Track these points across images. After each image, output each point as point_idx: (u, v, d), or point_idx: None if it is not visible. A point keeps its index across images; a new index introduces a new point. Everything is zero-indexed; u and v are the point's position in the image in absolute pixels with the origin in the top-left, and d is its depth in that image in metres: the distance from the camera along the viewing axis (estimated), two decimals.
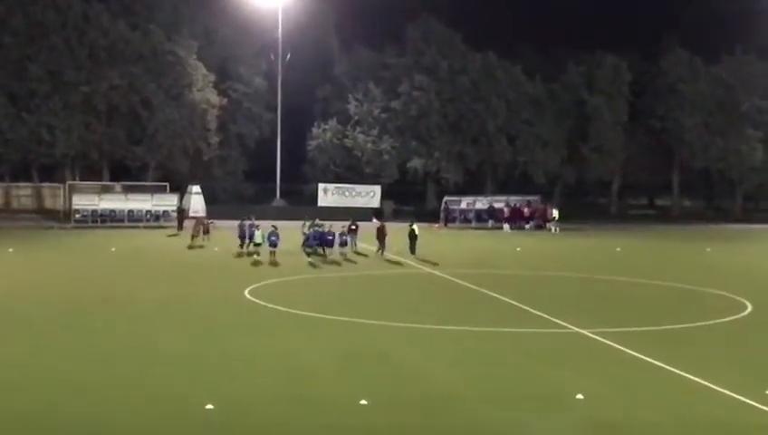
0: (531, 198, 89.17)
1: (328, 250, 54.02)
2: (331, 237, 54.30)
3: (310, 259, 52.02)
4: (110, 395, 23.11)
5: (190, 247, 58.50)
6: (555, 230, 78.66)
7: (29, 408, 22.03)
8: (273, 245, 52.40)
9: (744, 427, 21.63)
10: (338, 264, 52.04)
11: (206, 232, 61.00)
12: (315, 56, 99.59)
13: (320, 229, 55.15)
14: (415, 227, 57.67)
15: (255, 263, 50.26)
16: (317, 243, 53.78)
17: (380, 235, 57.64)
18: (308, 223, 56.55)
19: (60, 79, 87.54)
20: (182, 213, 77.10)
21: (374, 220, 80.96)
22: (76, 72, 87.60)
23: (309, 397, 23.40)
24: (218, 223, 77.34)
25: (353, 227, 58.09)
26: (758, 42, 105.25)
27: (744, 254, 66.02)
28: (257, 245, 54.12)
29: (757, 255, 65.45)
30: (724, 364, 27.86)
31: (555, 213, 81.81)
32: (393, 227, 61.59)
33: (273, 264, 50.70)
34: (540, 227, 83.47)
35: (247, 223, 56.82)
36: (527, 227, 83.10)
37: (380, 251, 56.82)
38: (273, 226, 54.16)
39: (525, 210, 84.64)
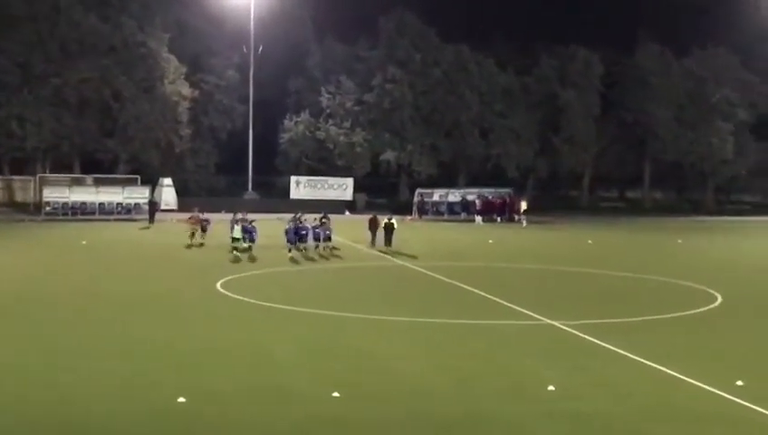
0: (503, 190, 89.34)
1: (302, 244, 53.41)
2: (304, 232, 53.54)
3: (290, 254, 51.11)
4: (80, 388, 23.00)
5: (189, 247, 55.45)
6: (524, 223, 78.67)
7: None
8: (252, 240, 51.59)
9: (716, 417, 21.73)
10: (312, 258, 51.60)
11: (204, 230, 57.09)
12: (288, 49, 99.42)
13: (296, 224, 54.55)
14: (393, 220, 57.51)
15: (236, 259, 49.23)
16: (297, 238, 52.94)
17: (372, 226, 58.42)
18: (292, 217, 56.12)
19: (30, 71, 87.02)
20: (153, 206, 76.84)
21: (347, 213, 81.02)
22: (47, 64, 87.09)
23: (281, 389, 23.36)
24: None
25: (324, 220, 56.77)
26: (729, 35, 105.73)
27: (715, 246, 66.36)
28: (235, 240, 52.52)
29: (728, 247, 65.80)
30: (695, 355, 28.00)
31: (524, 205, 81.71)
32: (365, 220, 61.44)
33: (252, 259, 49.85)
34: (511, 219, 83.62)
35: (239, 216, 55.09)
36: (498, 219, 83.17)
37: (372, 242, 57.50)
38: (251, 221, 53.31)
39: (496, 201, 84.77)
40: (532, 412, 21.80)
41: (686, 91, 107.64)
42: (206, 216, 58.63)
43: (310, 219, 55.71)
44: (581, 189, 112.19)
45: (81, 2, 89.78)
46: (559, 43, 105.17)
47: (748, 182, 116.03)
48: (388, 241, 56.11)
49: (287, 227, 53.26)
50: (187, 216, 60.82)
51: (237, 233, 52.08)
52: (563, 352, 28.37)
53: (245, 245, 51.42)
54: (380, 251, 55.01)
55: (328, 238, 54.26)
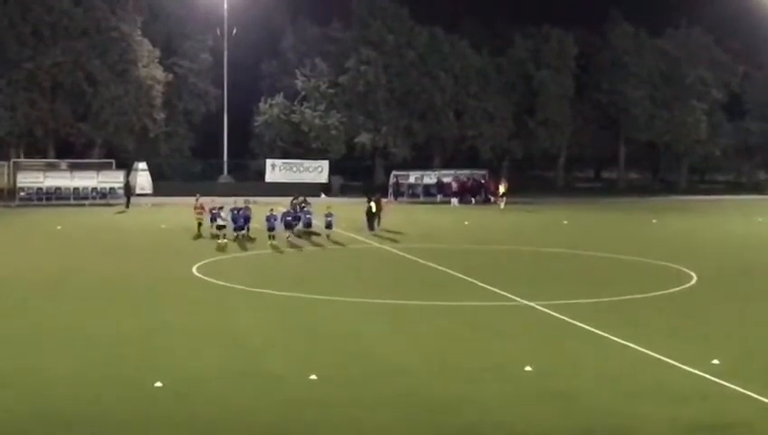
0: (478, 172, 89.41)
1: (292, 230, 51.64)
2: (290, 218, 51.61)
3: (273, 241, 48.83)
4: (55, 375, 22.94)
5: (197, 237, 51.97)
6: (501, 205, 78.50)
7: None
8: (240, 228, 50.56)
9: (692, 396, 21.85)
10: (294, 243, 50.27)
11: (213, 220, 51.41)
12: (261, 31, 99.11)
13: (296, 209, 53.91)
14: (372, 203, 57.28)
15: (220, 248, 47.58)
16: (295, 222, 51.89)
17: (377, 208, 58.06)
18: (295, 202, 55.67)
19: (3, 56, 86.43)
20: (129, 189, 76.56)
21: (322, 196, 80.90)
22: (19, 48, 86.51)
23: (258, 373, 23.37)
24: (166, 200, 77.30)
25: (303, 205, 56.15)
26: (702, 14, 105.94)
27: (689, 225, 66.61)
28: (221, 227, 49.70)
29: (702, 226, 66.06)
30: (671, 334, 28.14)
31: (502, 188, 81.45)
32: (342, 203, 61.42)
33: (242, 247, 48.69)
34: (487, 201, 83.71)
35: (241, 207, 52.68)
36: (473, 201, 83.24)
37: (377, 224, 57.44)
38: (237, 206, 52.29)
39: (469, 183, 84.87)
40: (510, 393, 21.88)
41: (659, 71, 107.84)
42: (216, 203, 53.28)
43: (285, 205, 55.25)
44: (557, 170, 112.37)
45: None
46: (532, 24, 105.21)
47: (722, 162, 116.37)
48: (369, 225, 55.93)
49: (278, 212, 51.16)
50: (182, 200, 60.21)
51: (222, 221, 50.12)
52: (540, 332, 28.47)
53: (241, 233, 50.54)
54: (373, 235, 54.70)
55: (309, 224, 53.98)
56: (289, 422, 19.76)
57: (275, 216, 49.71)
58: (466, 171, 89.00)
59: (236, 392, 21.69)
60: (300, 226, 53.11)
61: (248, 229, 51.25)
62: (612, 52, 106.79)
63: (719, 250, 51.44)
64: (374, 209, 56.43)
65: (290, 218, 51.41)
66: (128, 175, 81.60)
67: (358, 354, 25.41)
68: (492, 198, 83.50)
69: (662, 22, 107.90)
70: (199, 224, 52.91)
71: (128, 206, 73.59)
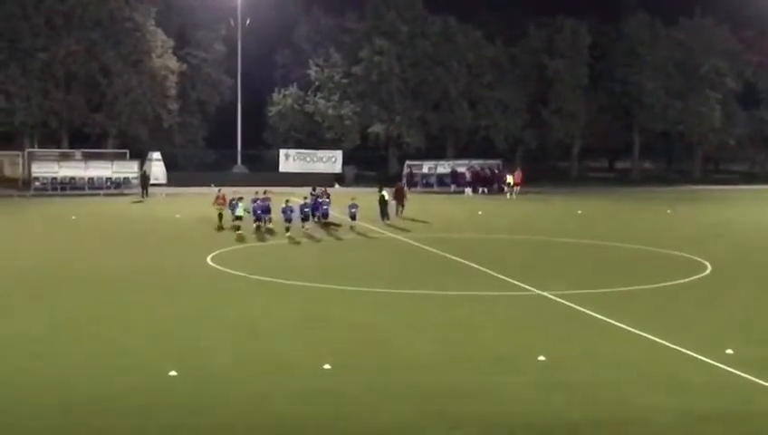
0: (492, 162, 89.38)
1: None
2: (307, 209, 51.50)
3: (288, 233, 48.40)
4: (69, 364, 23.03)
5: (219, 229, 50.77)
6: (511, 196, 78.17)
7: None
8: (258, 219, 49.83)
9: (705, 386, 21.85)
10: (308, 233, 49.92)
11: (233, 210, 50.82)
12: (275, 21, 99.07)
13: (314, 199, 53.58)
14: (384, 192, 57.21)
15: (239, 238, 47.29)
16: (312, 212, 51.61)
17: (399, 196, 60.20)
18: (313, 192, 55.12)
19: (17, 46, 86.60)
20: (146, 179, 76.74)
21: (336, 186, 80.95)
22: (33, 38, 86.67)
23: (272, 362, 23.42)
24: (180, 190, 77.47)
25: (326, 198, 55.61)
26: (716, 4, 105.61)
27: (703, 215, 66.48)
28: (238, 218, 49.51)
29: (717, 216, 65.91)
30: (685, 324, 28.10)
31: (510, 178, 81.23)
32: (356, 193, 61.38)
33: (259, 238, 48.14)
34: (501, 190, 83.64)
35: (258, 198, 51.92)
36: (485, 191, 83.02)
37: (400, 211, 59.21)
38: (256, 197, 51.64)
39: (467, 174, 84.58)
40: (524, 383, 21.88)
41: (674, 60, 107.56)
42: (237, 194, 53.22)
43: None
44: (571, 160, 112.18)
45: None
46: (546, 13, 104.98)
47: (736, 151, 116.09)
48: (383, 214, 55.80)
49: (295, 204, 50.73)
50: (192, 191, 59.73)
51: (241, 211, 49.74)
52: (554, 322, 28.46)
53: (260, 223, 49.82)
54: (389, 224, 54.61)
55: (325, 215, 53.83)
56: (303, 412, 19.80)
57: (291, 207, 49.13)
58: (480, 161, 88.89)
59: (250, 381, 21.74)
60: (316, 217, 52.78)
61: (268, 220, 50.32)
62: (626, 41, 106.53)
63: (733, 240, 51.30)
64: (387, 198, 56.49)
65: (307, 210, 51.21)
66: (142, 165, 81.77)
67: (371, 344, 25.44)
68: (505, 188, 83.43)
69: (676, 11, 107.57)
70: (220, 215, 51.72)
71: (145, 195, 73.83)
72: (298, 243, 46.66)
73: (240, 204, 50.04)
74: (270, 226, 50.35)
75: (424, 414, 19.72)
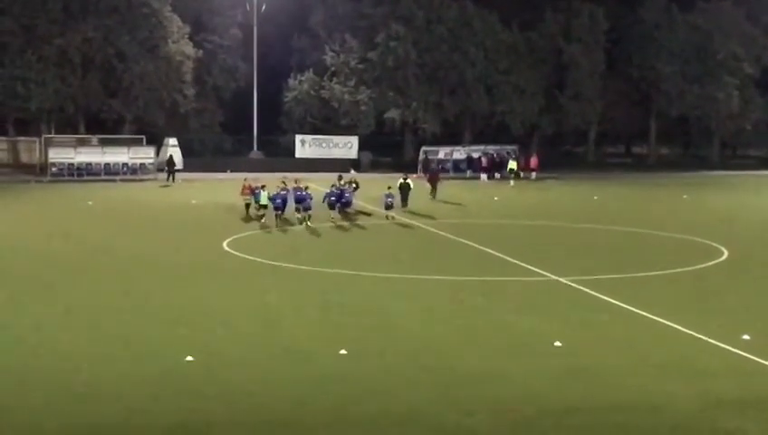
0: (508, 147, 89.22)
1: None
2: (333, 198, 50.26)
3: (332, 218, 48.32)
4: (85, 351, 23.14)
5: (246, 220, 49.33)
6: (511, 183, 76.31)
7: (7, 361, 22.03)
8: (278, 208, 47.65)
9: (722, 371, 21.84)
10: (333, 221, 48.89)
11: (257, 201, 49.06)
12: (291, 7, 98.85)
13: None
14: (409, 179, 56.42)
15: (262, 227, 46.45)
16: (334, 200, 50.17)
17: (433, 180, 63.09)
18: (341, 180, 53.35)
19: (33, 32, 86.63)
20: (172, 164, 76.92)
21: (351, 171, 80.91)
22: (50, 24, 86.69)
23: (288, 347, 23.49)
24: (196, 176, 77.62)
25: (353, 185, 54.03)
26: None
27: (720, 201, 66.28)
28: (263, 207, 48.15)
29: (734, 202, 65.70)
30: (701, 310, 28.07)
31: (513, 164, 79.46)
32: (372, 178, 61.37)
33: (285, 233, 46.14)
34: (517, 176, 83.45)
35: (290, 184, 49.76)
36: (496, 176, 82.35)
37: (433, 195, 61.35)
38: (305, 187, 49.81)
39: (483, 160, 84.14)
40: (539, 368, 21.90)
41: (691, 45, 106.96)
42: (260, 182, 50.89)
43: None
44: (587, 145, 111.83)
45: None
46: None
47: (754, 136, 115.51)
48: (404, 201, 54.72)
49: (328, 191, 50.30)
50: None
51: (264, 199, 48.38)
52: (569, 307, 28.46)
53: (299, 215, 48.29)
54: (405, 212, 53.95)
55: (348, 203, 51.91)
56: (319, 397, 19.87)
57: (309, 194, 48.57)
58: (496, 147, 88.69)
59: (267, 367, 21.82)
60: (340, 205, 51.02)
61: (304, 211, 48.33)
62: (643, 26, 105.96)
63: (750, 226, 51.15)
64: (411, 185, 55.79)
65: (333, 198, 50.19)
66: (158, 151, 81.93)
67: (387, 329, 25.49)
68: (521, 174, 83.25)
69: None
70: (247, 205, 50.26)
71: (172, 180, 74.12)
72: (315, 229, 46.60)
73: (263, 192, 48.71)
74: (284, 216, 48.38)
75: (439, 400, 19.76)
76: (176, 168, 77.46)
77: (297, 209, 48.73)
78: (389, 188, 52.05)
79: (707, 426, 18.84)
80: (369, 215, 52.35)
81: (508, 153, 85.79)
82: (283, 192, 48.62)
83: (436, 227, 47.12)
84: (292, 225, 47.63)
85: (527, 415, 19.04)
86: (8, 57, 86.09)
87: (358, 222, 49.61)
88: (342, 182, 52.97)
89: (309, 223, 47.38)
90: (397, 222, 49.47)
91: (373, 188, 56.82)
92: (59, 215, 53.52)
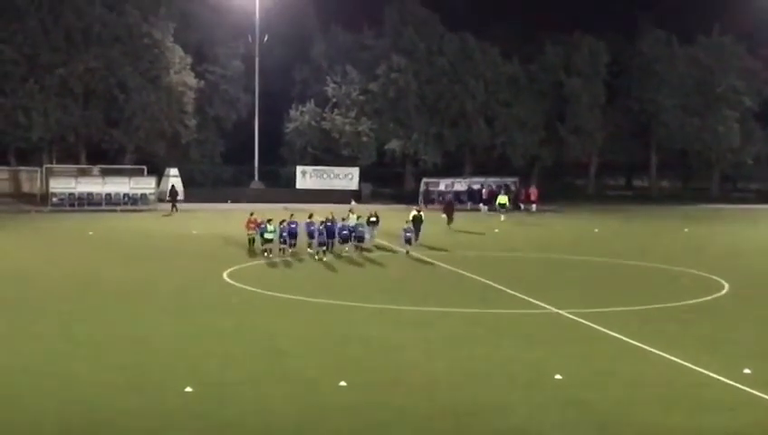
0: (508, 179, 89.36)
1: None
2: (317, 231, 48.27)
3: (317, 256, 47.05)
4: (84, 379, 23.08)
5: (250, 253, 48.24)
6: (502, 217, 72.92)
7: (8, 390, 21.97)
8: (284, 242, 47.30)
9: (723, 405, 21.77)
10: (347, 254, 48.07)
11: (262, 235, 47.86)
12: (293, 38, 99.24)
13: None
14: (422, 212, 55.43)
15: (270, 264, 45.18)
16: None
17: (448, 210, 65.47)
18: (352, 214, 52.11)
19: (36, 62, 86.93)
20: (175, 194, 77.12)
21: (352, 202, 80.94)
22: (52, 54, 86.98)
23: (288, 378, 23.43)
24: (197, 206, 77.67)
25: (373, 219, 52.81)
26: (734, 22, 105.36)
27: (721, 234, 66.30)
28: (268, 241, 47.22)
29: (734, 235, 65.71)
30: (702, 344, 28.01)
31: (503, 199, 76.99)
32: (370, 209, 61.29)
33: (287, 264, 45.57)
34: (518, 208, 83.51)
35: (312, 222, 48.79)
36: (485, 209, 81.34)
37: (449, 224, 63.63)
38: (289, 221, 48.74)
39: (483, 192, 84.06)
40: (540, 401, 21.84)
41: (691, 78, 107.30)
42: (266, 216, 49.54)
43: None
44: (587, 178, 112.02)
45: None
46: (564, 30, 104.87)
47: (754, 170, 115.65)
48: (416, 233, 52.49)
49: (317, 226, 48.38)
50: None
51: (270, 234, 47.18)
52: (570, 340, 28.41)
53: (311, 250, 47.55)
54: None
55: (361, 238, 49.76)
56: (318, 428, 19.81)
57: (314, 223, 48.01)
58: (496, 179, 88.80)
59: (266, 398, 21.75)
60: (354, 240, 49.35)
61: (292, 245, 47.68)
62: (644, 59, 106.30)
63: (751, 259, 51.14)
64: (423, 217, 54.17)
65: (346, 232, 49.17)
66: (159, 182, 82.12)
67: (387, 361, 25.43)
68: (522, 206, 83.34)
69: (694, 29, 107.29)
70: (251, 240, 49.05)
71: (175, 211, 74.21)
72: (315, 260, 46.51)
73: (269, 226, 47.65)
74: (291, 249, 47.60)
75: (440, 432, 19.69)
76: (178, 197, 77.59)
77: (310, 244, 48.08)
78: (407, 222, 51.32)
79: None
80: (387, 250, 50.88)
81: (499, 186, 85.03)
82: (292, 225, 47.97)
83: (436, 259, 47.10)
84: (300, 259, 46.91)
85: None
86: (10, 86, 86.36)
87: (369, 256, 48.63)
88: (356, 216, 51.48)
89: (324, 258, 46.59)
90: (395, 253, 49.33)
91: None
92: (60, 245, 53.49)
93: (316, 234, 47.72)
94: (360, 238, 49.63)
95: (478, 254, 51.10)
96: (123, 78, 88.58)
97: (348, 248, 48.76)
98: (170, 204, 75.82)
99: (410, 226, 50.98)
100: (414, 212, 54.67)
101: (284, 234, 47.47)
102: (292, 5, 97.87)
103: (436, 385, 23.04)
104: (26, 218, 69.71)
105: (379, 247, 50.94)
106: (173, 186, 79.11)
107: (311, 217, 49.41)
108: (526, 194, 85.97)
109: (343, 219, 50.84)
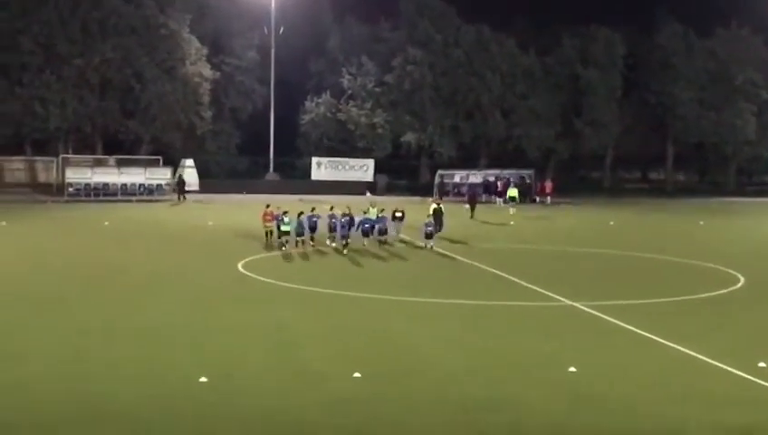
0: (524, 171, 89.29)
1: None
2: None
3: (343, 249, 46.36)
4: (99, 369, 23.10)
5: (267, 246, 47.46)
6: (511, 211, 71.93)
7: (17, 380, 22.03)
8: (299, 234, 46.58)
9: (737, 399, 21.69)
10: (366, 248, 47.21)
11: (278, 228, 47.40)
12: (308, 30, 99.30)
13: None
14: (441, 205, 54.51)
15: (286, 256, 44.67)
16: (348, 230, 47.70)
17: (472, 201, 67.88)
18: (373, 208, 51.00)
19: (52, 52, 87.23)
20: (182, 183, 77.49)
21: (367, 194, 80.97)
22: (69, 45, 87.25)
23: (302, 370, 23.42)
24: (213, 197, 77.81)
25: (398, 214, 51.28)
26: (752, 15, 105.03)
27: (736, 227, 66.11)
28: (284, 233, 46.70)
29: (750, 228, 65.52)
30: (717, 337, 27.92)
31: (513, 191, 76.12)
32: (387, 202, 61.28)
33: (303, 256, 44.95)
34: (533, 200, 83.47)
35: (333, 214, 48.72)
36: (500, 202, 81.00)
37: (471, 216, 65.33)
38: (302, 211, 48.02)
39: (498, 184, 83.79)
40: (554, 394, 21.79)
41: (708, 71, 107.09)
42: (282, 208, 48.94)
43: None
44: (603, 170, 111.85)
45: None
46: (580, 23, 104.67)
47: None
48: (438, 226, 51.67)
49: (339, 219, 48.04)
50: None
51: (287, 226, 46.76)
52: (585, 333, 28.35)
53: (334, 244, 47.27)
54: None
55: (383, 232, 49.06)
56: (332, 420, 19.80)
57: (345, 221, 47.40)
58: (512, 171, 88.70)
59: (280, 389, 21.75)
60: (375, 233, 48.75)
61: (312, 238, 47.45)
62: (661, 52, 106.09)
63: (767, 252, 50.97)
64: (443, 210, 53.38)
65: (367, 226, 48.41)
66: (175, 172, 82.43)
67: (401, 353, 25.41)
68: (537, 199, 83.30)
69: (711, 22, 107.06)
70: (268, 233, 48.33)
71: (183, 199, 74.79)
72: (333, 252, 46.47)
73: (286, 218, 47.21)
74: (310, 242, 47.28)
75: (453, 424, 19.67)
76: (186, 187, 77.89)
77: (332, 238, 47.77)
78: (428, 216, 50.58)
79: None
80: (407, 244, 49.95)
81: (510, 180, 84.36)
82: (313, 219, 47.61)
83: (451, 251, 47.04)
84: (320, 252, 46.51)
85: None
86: (27, 77, 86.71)
87: (387, 249, 47.86)
88: (377, 210, 50.44)
89: (345, 251, 45.87)
90: (411, 246, 49.19)
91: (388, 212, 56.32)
92: (75, 234, 53.65)
93: (338, 227, 47.32)
94: (383, 232, 49.00)
95: (494, 246, 51.03)
96: (139, 69, 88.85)
97: (366, 242, 47.98)
98: (178, 193, 76.26)
99: (431, 220, 50.08)
100: (434, 205, 53.94)
101: (304, 226, 46.93)
102: None
103: (450, 377, 23.01)
104: (42, 208, 69.92)
105: (399, 241, 50.14)
106: (180, 175, 79.36)
107: (332, 209, 49.11)
108: (541, 187, 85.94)
109: (364, 212, 50.20)
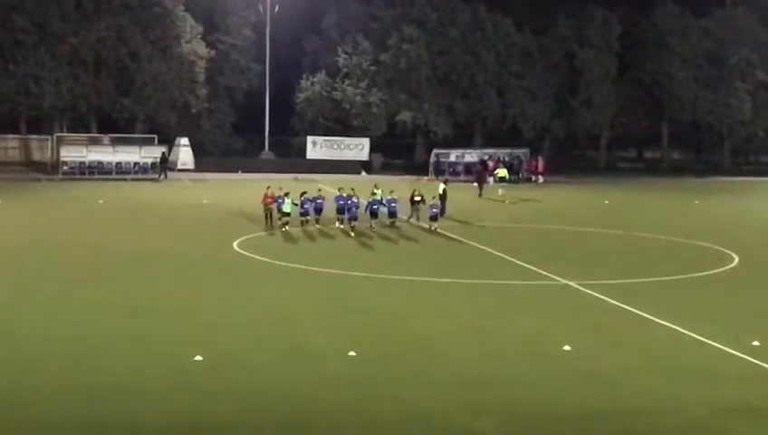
0: (519, 151, 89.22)
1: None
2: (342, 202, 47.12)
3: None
4: (93, 347, 23.17)
5: (267, 227, 46.24)
6: (500, 191, 68.64)
7: (15, 358, 22.07)
8: (305, 214, 46.62)
9: (732, 377, 21.77)
10: (374, 230, 46.59)
11: (279, 209, 46.38)
12: (304, 8, 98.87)
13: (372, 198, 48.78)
14: (446, 186, 53.67)
15: (287, 237, 44.16)
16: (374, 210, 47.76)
17: (480, 178, 68.70)
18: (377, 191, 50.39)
19: (47, 30, 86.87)
20: (165, 160, 77.45)
21: (363, 173, 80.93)
22: (63, 23, 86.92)
23: (297, 348, 23.48)
24: (207, 176, 77.72)
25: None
26: None
27: (731, 207, 66.15)
28: (286, 214, 46.02)
29: (745, 208, 65.58)
30: (711, 316, 28.00)
31: (503, 172, 74.07)
32: (383, 181, 61.23)
33: (310, 236, 44.80)
34: (528, 180, 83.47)
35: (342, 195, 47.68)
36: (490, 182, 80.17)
37: (480, 194, 66.15)
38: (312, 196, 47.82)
39: (489, 163, 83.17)
40: (549, 371, 21.88)
41: (704, 51, 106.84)
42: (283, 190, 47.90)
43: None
44: (599, 150, 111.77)
45: None
46: (576, 2, 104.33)
47: (766, 143, 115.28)
48: (442, 210, 50.80)
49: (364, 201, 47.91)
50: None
51: (288, 207, 46.09)
52: (579, 311, 28.43)
53: (341, 225, 46.61)
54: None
55: (393, 213, 48.44)
56: (327, 398, 19.86)
57: (354, 202, 46.74)
58: (507, 150, 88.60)
59: (275, 368, 21.81)
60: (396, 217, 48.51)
61: (317, 220, 47.21)
62: (656, 32, 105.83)
63: (761, 232, 51.05)
64: (446, 193, 52.68)
65: (375, 207, 48.13)
66: (169, 151, 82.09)
67: (396, 331, 25.47)
68: (532, 178, 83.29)
69: (707, 2, 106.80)
70: (268, 214, 46.95)
71: (164, 177, 74.83)
72: (328, 232, 46.40)
73: (286, 199, 46.61)
74: (347, 225, 46.28)
75: (449, 402, 19.74)
76: (168, 165, 77.93)
77: (339, 219, 47.31)
78: (434, 198, 49.79)
79: (716, 431, 18.81)
80: (411, 224, 49.14)
81: (499, 160, 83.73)
82: (318, 200, 47.43)
83: (446, 230, 47.01)
84: (323, 233, 45.98)
85: (536, 418, 19.02)
86: (21, 55, 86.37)
87: (389, 230, 47.03)
88: (382, 191, 50.10)
89: (351, 233, 45.33)
90: (405, 224, 49.08)
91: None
92: (70, 213, 53.61)
93: (346, 208, 46.70)
94: (393, 214, 48.43)
95: (488, 225, 51.02)
96: (134, 47, 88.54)
97: (374, 224, 47.41)
98: (160, 170, 76.24)
99: (437, 201, 49.49)
100: (443, 185, 53.33)
101: (306, 207, 46.75)
102: None
103: (446, 356, 23.08)
104: (37, 187, 69.80)
105: (402, 222, 49.36)
106: (163, 153, 79.01)
107: (340, 190, 48.43)
108: (534, 165, 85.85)
109: (372, 194, 49.56)
